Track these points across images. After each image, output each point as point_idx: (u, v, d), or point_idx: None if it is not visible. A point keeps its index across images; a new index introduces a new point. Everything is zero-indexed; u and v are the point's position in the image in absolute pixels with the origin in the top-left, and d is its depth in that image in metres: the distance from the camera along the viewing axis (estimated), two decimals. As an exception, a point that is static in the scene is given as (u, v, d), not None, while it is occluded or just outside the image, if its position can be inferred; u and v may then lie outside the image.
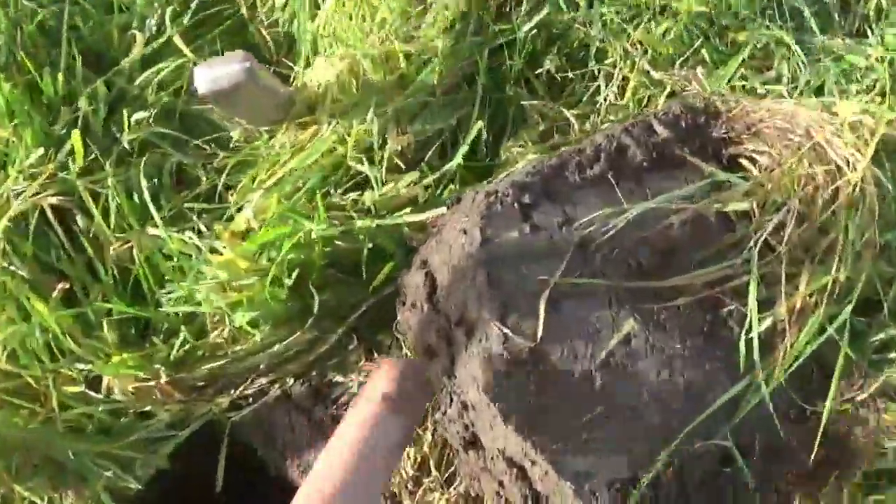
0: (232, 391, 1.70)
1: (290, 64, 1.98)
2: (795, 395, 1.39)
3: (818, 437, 1.37)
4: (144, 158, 1.82)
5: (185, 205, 1.78)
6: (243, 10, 2.07)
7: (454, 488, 1.56)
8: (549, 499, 1.33)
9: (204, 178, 1.82)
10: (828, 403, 1.37)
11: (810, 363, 1.39)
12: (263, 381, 1.70)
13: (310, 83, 1.82)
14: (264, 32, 2.04)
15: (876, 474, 1.44)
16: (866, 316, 1.46)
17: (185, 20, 2.00)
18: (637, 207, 1.36)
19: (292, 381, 1.70)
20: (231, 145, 1.87)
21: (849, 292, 1.41)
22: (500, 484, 1.39)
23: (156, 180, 1.86)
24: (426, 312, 1.42)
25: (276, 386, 1.70)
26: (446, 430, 1.48)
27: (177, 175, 1.91)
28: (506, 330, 1.27)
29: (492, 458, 1.38)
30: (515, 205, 1.37)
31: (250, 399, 1.71)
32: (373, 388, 1.16)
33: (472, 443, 1.41)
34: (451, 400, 1.40)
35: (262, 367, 1.68)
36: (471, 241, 1.34)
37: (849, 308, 1.37)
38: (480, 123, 1.69)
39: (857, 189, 1.39)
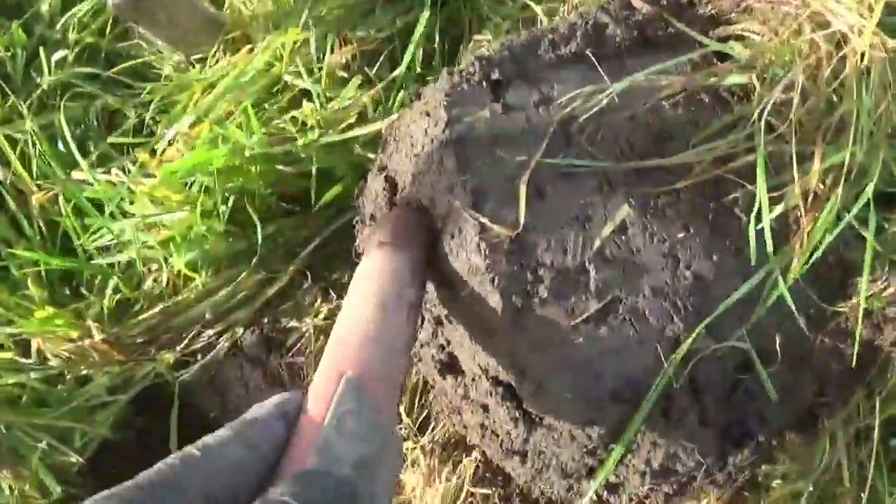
0: (176, 346, 1.47)
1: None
2: (813, 294, 1.19)
3: (845, 340, 1.18)
4: (64, 101, 1.61)
5: (110, 141, 1.57)
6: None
7: (429, 434, 1.34)
8: (543, 419, 1.12)
9: (133, 116, 1.60)
10: (861, 298, 1.17)
11: (827, 257, 1.20)
12: (210, 332, 1.48)
13: (241, 2, 1.61)
14: None
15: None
16: (882, 208, 1.27)
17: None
18: (623, 82, 1.16)
19: (242, 330, 1.48)
20: (162, 79, 1.66)
21: (863, 176, 1.22)
22: (485, 409, 1.18)
23: (83, 125, 1.66)
24: (388, 221, 1.21)
25: (225, 337, 1.48)
26: (420, 358, 1.27)
27: (109, 118, 1.71)
28: (482, 219, 1.06)
29: (473, 380, 1.17)
30: (484, 82, 1.16)
31: (198, 355, 1.49)
32: (366, 249, 1.05)
33: (450, 366, 1.20)
34: (423, 319, 1.20)
35: (207, 316, 1.45)
36: (435, 121, 1.12)
37: (870, 188, 1.18)
38: (426, 16, 1.47)
39: (866, 58, 1.20)
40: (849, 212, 1.20)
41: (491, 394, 1.13)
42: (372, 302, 0.88)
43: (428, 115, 1.14)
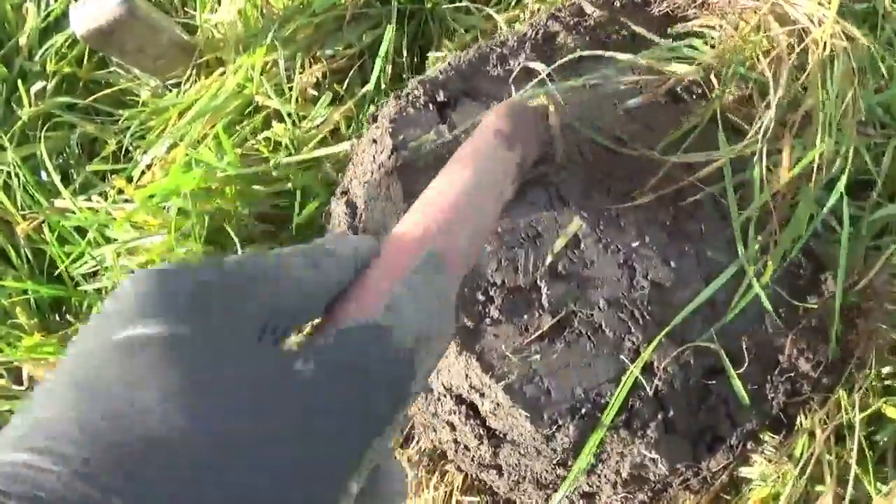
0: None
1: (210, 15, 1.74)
2: (783, 291, 1.16)
3: (816, 337, 1.16)
4: (44, 132, 1.63)
5: (90, 168, 1.59)
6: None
7: (415, 444, 1.34)
8: (506, 435, 1.12)
9: (113, 143, 1.61)
10: (837, 294, 1.15)
11: (797, 255, 1.18)
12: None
13: (212, 26, 1.61)
14: None
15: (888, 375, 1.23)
16: (855, 197, 1.24)
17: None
18: (564, 86, 1.15)
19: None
20: (140, 105, 1.67)
21: (833, 167, 1.20)
22: (452, 427, 1.18)
23: (64, 154, 1.68)
24: (351, 244, 1.21)
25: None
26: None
27: (89, 146, 1.72)
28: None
29: (438, 399, 1.17)
30: (430, 105, 1.15)
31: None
32: (486, 122, 0.98)
33: (421, 387, 1.20)
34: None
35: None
36: (381, 148, 1.12)
37: (842, 182, 1.15)
38: (391, 32, 1.46)
39: (828, 48, 1.17)
40: (821, 205, 1.18)
41: (454, 412, 1.13)
42: (475, 179, 0.83)
43: (375, 141, 1.13)
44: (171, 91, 1.63)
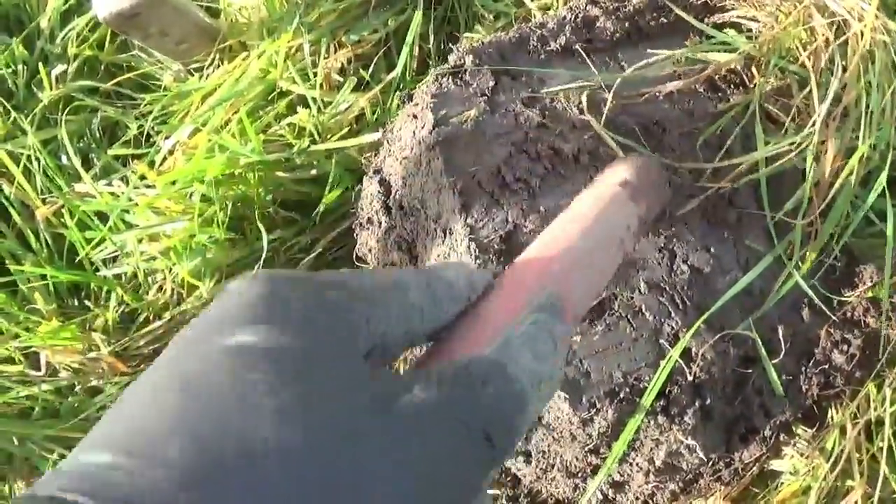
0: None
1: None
2: (817, 284, 1.15)
3: (851, 330, 1.15)
4: (65, 115, 1.60)
5: (111, 153, 1.56)
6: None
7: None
8: (541, 418, 1.10)
9: (134, 127, 1.58)
10: (885, 287, 1.13)
11: (833, 247, 1.17)
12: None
13: (237, 10, 1.59)
14: None
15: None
16: (891, 190, 1.23)
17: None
18: (610, 75, 1.14)
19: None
20: (162, 90, 1.64)
21: (870, 163, 1.19)
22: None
23: (85, 138, 1.65)
24: (383, 226, 1.18)
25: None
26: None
27: (111, 130, 1.69)
28: (470, 222, 1.03)
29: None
30: (472, 81, 1.14)
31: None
32: (612, 173, 0.96)
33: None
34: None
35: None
36: (422, 123, 1.10)
37: (883, 177, 1.14)
38: (419, 17, 1.44)
39: (869, 42, 1.16)
40: (860, 200, 1.17)
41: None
42: (599, 228, 0.80)
43: (415, 117, 1.11)
44: (193, 75, 1.60)
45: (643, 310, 1.05)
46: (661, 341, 1.05)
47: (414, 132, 1.10)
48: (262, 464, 0.37)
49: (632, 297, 1.05)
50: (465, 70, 1.13)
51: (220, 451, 0.37)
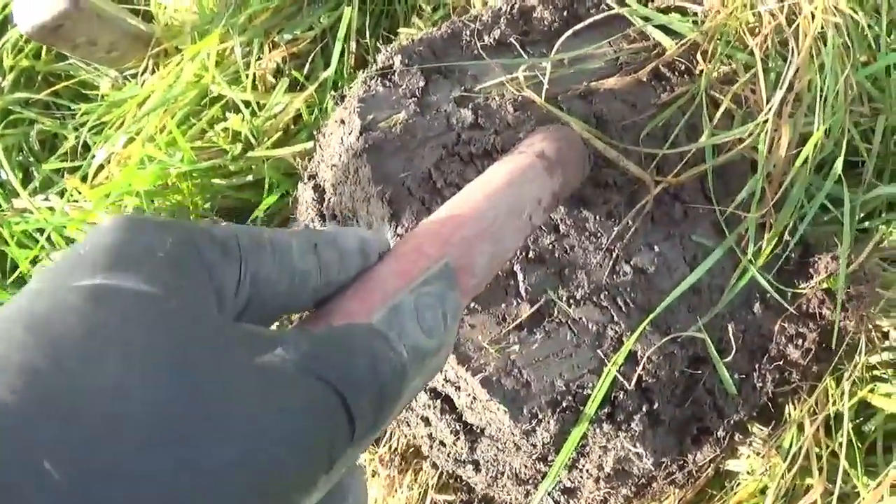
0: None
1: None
2: (770, 277, 1.12)
3: (806, 323, 1.12)
4: (1, 128, 1.56)
5: (46, 168, 1.52)
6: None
7: (386, 443, 1.28)
8: (484, 430, 1.07)
9: (72, 137, 1.54)
10: (841, 277, 1.10)
11: (787, 238, 1.13)
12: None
13: (170, 13, 1.55)
14: None
15: (877, 364, 1.18)
16: (844, 175, 1.20)
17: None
18: (540, 59, 1.10)
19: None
20: (100, 98, 1.60)
21: (823, 149, 1.16)
22: (427, 422, 1.12)
23: (23, 151, 1.61)
24: (319, 230, 1.15)
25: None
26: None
27: (51, 141, 1.65)
28: (400, 231, 1.00)
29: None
30: (401, 81, 1.10)
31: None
32: (531, 142, 0.94)
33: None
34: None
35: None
36: (349, 130, 1.06)
37: (839, 164, 1.11)
38: (350, 13, 1.40)
39: (820, 24, 1.12)
40: (815, 188, 1.14)
41: (429, 407, 1.08)
42: (509, 200, 0.78)
43: (343, 122, 1.08)
44: (130, 81, 1.56)
45: (584, 315, 1.02)
46: (605, 346, 1.01)
47: (342, 139, 1.07)
48: (92, 402, 0.34)
49: (571, 302, 1.02)
50: (394, 71, 1.09)
51: (59, 397, 0.34)
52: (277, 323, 0.51)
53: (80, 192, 1.33)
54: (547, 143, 0.93)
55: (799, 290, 1.13)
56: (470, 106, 1.07)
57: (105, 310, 0.38)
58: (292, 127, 1.38)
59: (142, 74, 1.52)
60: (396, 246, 0.63)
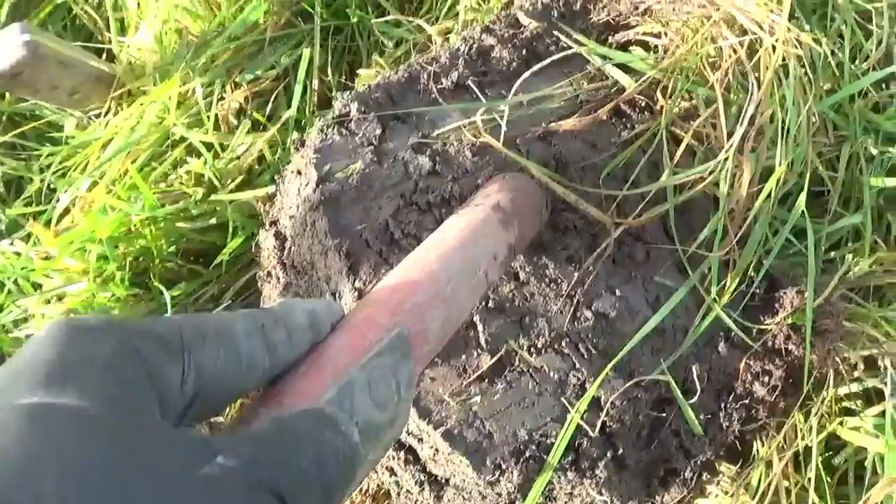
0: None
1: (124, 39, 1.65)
2: (735, 313, 1.12)
3: (773, 360, 1.12)
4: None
5: (10, 213, 1.51)
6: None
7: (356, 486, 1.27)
8: (449, 480, 1.06)
9: (37, 180, 1.53)
10: (808, 312, 1.10)
11: (752, 274, 1.13)
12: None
13: (133, 53, 1.54)
14: (91, 12, 1.71)
15: (845, 396, 1.18)
16: (808, 205, 1.19)
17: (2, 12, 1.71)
18: (497, 101, 1.09)
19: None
20: (65, 139, 1.59)
21: (786, 183, 1.15)
22: (392, 472, 1.12)
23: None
24: (282, 281, 1.14)
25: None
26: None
27: (18, 183, 1.64)
28: (358, 285, 1.00)
29: (376, 443, 1.10)
30: (357, 130, 1.09)
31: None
32: (486, 193, 0.94)
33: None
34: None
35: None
36: (306, 181, 1.06)
37: (802, 199, 1.11)
38: (309, 53, 1.40)
39: (781, 56, 1.11)
40: (778, 221, 1.14)
41: (393, 458, 1.07)
42: (460, 262, 0.77)
43: (300, 173, 1.07)
44: (95, 121, 1.55)
45: (545, 363, 1.02)
46: (567, 394, 1.01)
47: (299, 189, 1.06)
48: None
49: (532, 351, 1.02)
50: (351, 118, 1.08)
51: None
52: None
53: (40, 239, 1.32)
54: (502, 195, 0.92)
55: (764, 326, 1.12)
56: (427, 153, 1.07)
57: (42, 430, 0.37)
58: (256, 167, 1.37)
59: (105, 115, 1.50)
60: (348, 316, 0.63)
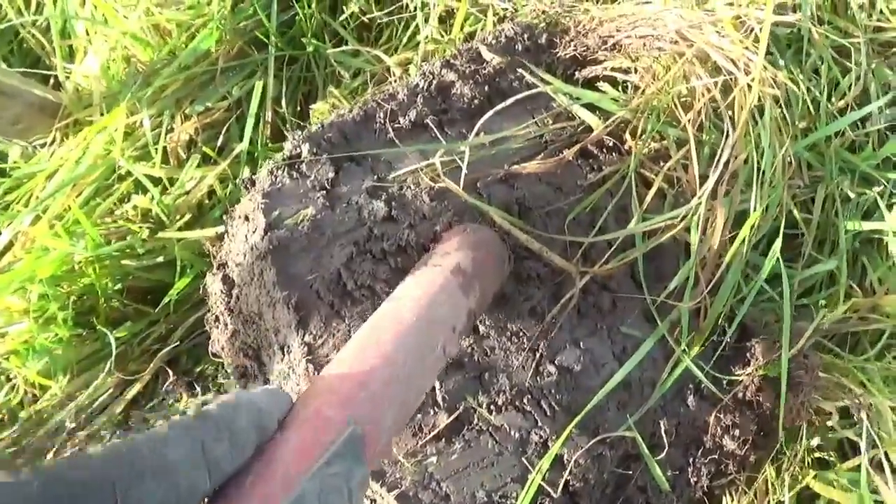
0: (44, 457, 1.36)
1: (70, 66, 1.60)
2: (705, 365, 1.08)
3: (743, 412, 1.08)
4: None
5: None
6: (11, 16, 1.67)
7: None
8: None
9: (-20, 213, 1.48)
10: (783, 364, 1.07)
11: (720, 324, 1.09)
12: (78, 438, 1.36)
13: (79, 81, 1.49)
14: (39, 37, 1.65)
15: (818, 447, 1.15)
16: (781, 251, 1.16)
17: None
18: (462, 144, 1.05)
19: (109, 435, 1.36)
20: (9, 170, 1.53)
21: (760, 228, 1.12)
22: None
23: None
24: (229, 327, 1.09)
25: (93, 443, 1.36)
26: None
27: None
28: (308, 339, 0.95)
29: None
30: (309, 173, 1.05)
31: (69, 462, 1.37)
32: (444, 252, 0.89)
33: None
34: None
35: (68, 423, 1.34)
36: (254, 228, 1.01)
37: (778, 244, 1.07)
38: (261, 85, 1.35)
39: (757, 96, 1.08)
40: (752, 267, 1.10)
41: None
42: (416, 338, 0.73)
43: (248, 219, 1.02)
44: (40, 150, 1.49)
45: (506, 421, 0.97)
46: (529, 453, 0.97)
47: (246, 236, 1.01)
48: None
49: (492, 409, 0.97)
50: (302, 160, 1.03)
51: None
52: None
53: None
54: (462, 254, 0.88)
55: (735, 378, 1.08)
56: (383, 197, 1.02)
57: None
58: (206, 203, 1.32)
59: (51, 145, 1.45)
60: (296, 410, 0.59)
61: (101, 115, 1.38)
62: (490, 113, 1.07)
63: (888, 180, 1.23)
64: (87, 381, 1.32)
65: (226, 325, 1.10)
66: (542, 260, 1.03)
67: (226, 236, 1.14)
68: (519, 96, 1.10)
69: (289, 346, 0.97)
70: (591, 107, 1.15)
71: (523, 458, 0.97)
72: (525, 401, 0.99)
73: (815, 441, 1.13)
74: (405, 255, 1.00)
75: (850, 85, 1.27)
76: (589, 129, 1.13)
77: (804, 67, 1.28)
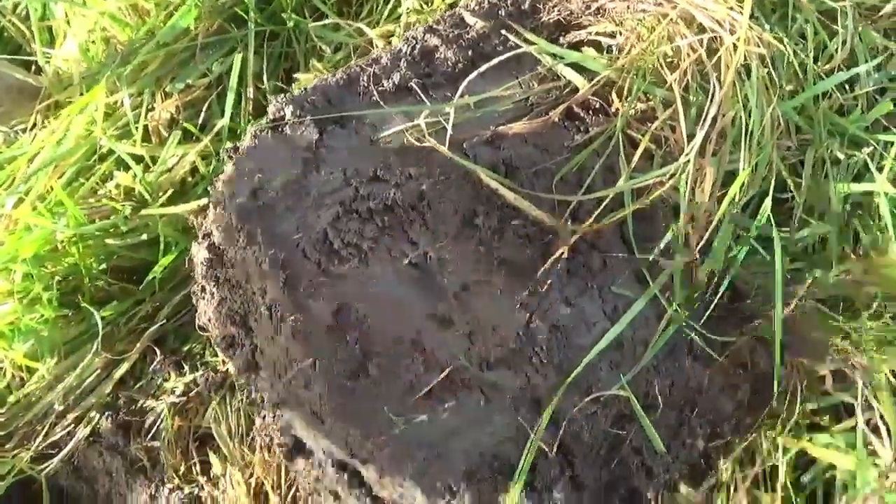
0: (34, 440, 1.35)
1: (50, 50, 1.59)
2: (699, 327, 1.07)
3: (737, 373, 1.07)
4: None
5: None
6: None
7: (300, 506, 1.21)
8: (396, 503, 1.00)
9: (-36, 200, 1.47)
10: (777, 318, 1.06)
11: (712, 284, 1.09)
12: (67, 420, 1.35)
13: (59, 63, 1.48)
14: (19, 24, 1.64)
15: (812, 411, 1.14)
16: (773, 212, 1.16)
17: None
18: (441, 106, 1.05)
19: (98, 415, 1.35)
20: (-10, 155, 1.52)
21: (749, 188, 1.12)
22: (336, 497, 1.06)
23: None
24: (216, 297, 1.08)
25: (83, 425, 1.35)
26: (270, 440, 1.15)
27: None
28: (296, 300, 0.94)
29: (320, 465, 1.04)
30: (293, 134, 1.04)
31: (60, 446, 1.35)
32: None
33: (298, 448, 1.07)
34: (263, 400, 1.07)
35: (56, 406, 1.33)
36: (239, 189, 1.01)
37: (768, 203, 1.07)
38: (241, 58, 1.35)
39: (743, 55, 1.08)
40: (742, 228, 1.10)
41: (338, 481, 1.01)
42: None
43: (232, 182, 1.01)
44: (21, 135, 1.48)
45: (498, 378, 0.96)
46: (521, 411, 0.96)
47: (231, 198, 1.01)
48: None
49: (483, 366, 0.96)
50: (286, 122, 1.03)
51: None
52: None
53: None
54: None
55: (729, 339, 1.08)
56: (369, 157, 1.02)
57: None
58: (189, 180, 1.32)
59: (32, 129, 1.44)
60: None
61: (81, 95, 1.37)
62: (475, 73, 1.07)
63: (878, 142, 1.23)
64: (74, 363, 1.31)
65: (212, 294, 1.09)
66: (529, 219, 1.02)
67: (210, 205, 1.13)
68: (503, 57, 1.10)
69: (276, 305, 0.96)
70: (576, 69, 1.14)
71: (518, 418, 0.96)
72: (516, 359, 0.98)
73: (810, 406, 1.12)
74: (392, 214, 0.99)
75: (837, 48, 1.27)
76: (574, 91, 1.13)
77: (790, 32, 1.28)
